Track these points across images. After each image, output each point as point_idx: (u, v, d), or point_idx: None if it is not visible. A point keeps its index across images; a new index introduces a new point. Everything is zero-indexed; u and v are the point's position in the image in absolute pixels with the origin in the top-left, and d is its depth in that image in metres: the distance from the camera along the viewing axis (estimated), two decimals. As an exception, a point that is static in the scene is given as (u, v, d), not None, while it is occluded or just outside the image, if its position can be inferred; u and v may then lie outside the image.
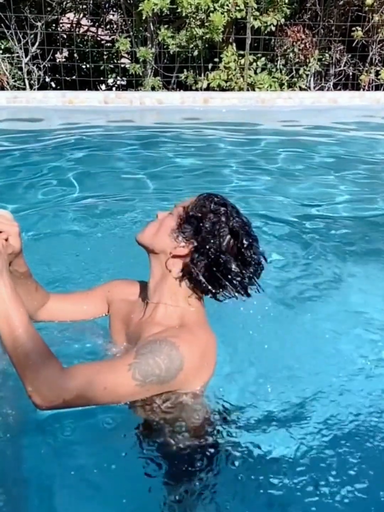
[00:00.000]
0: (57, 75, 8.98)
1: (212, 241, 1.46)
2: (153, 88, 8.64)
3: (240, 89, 8.60)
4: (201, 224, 1.48)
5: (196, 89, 8.62)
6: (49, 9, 8.70)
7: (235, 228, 1.47)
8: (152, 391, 1.42)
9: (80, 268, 2.57)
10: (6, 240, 1.42)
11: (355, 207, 4.23)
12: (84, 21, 9.91)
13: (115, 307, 1.73)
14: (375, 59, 9.18)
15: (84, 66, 9.45)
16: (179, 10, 8.08)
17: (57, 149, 5.76)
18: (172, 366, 1.38)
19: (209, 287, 1.50)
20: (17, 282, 1.47)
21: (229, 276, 1.47)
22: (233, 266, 1.46)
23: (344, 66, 9.26)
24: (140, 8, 8.05)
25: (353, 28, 8.89)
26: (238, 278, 1.48)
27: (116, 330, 1.69)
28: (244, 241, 1.46)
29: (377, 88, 9.18)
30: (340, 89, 9.24)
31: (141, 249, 1.62)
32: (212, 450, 1.46)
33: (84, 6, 9.38)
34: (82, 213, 3.82)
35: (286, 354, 1.74)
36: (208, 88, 8.59)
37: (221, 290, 1.51)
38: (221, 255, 1.46)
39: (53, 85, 9.34)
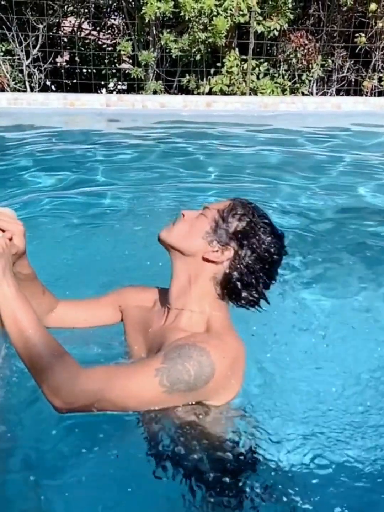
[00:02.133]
0: (58, 79, 8.92)
1: (249, 250, 1.42)
2: (155, 92, 8.59)
3: (243, 94, 8.55)
4: (239, 232, 1.42)
5: (198, 94, 8.56)
6: (50, 12, 8.66)
7: (270, 241, 1.44)
8: (178, 400, 1.33)
9: (90, 274, 2.47)
10: (10, 239, 1.36)
11: (359, 210, 4.17)
12: (85, 25, 9.87)
13: (129, 314, 1.65)
14: (378, 65, 9.15)
15: (85, 70, 9.39)
16: (182, 14, 8.03)
17: (58, 151, 5.69)
18: (202, 373, 1.29)
19: (243, 294, 1.45)
20: (22, 285, 1.39)
21: (260, 284, 1.45)
22: (262, 274, 1.44)
23: (347, 72, 9.23)
24: (143, 12, 8.01)
25: (356, 34, 8.86)
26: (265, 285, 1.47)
27: (133, 337, 1.60)
28: (275, 255, 1.44)
29: (380, 94, 9.14)
30: (342, 95, 9.20)
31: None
32: (232, 467, 1.35)
33: (86, 11, 9.33)
34: (86, 215, 3.74)
35: (315, 362, 1.65)
36: (210, 93, 8.54)
37: (250, 297, 1.46)
38: (258, 263, 1.43)
39: (54, 89, 9.29)
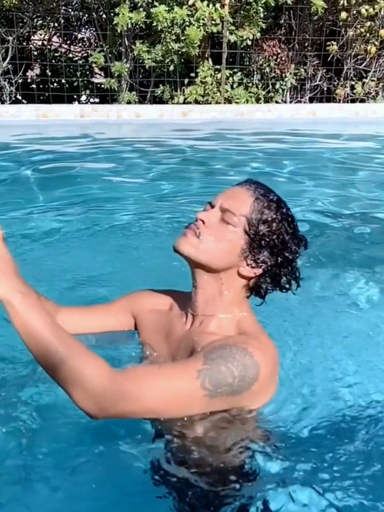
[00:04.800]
0: (29, 92, 8.74)
1: (282, 256, 1.35)
2: (129, 103, 8.49)
3: (217, 103, 8.52)
4: (275, 249, 1.34)
5: (173, 104, 8.49)
6: (20, 24, 8.51)
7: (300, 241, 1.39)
8: (221, 404, 1.21)
9: (85, 289, 2.33)
10: None
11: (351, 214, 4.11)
12: (55, 39, 9.74)
13: (144, 319, 1.53)
14: (350, 73, 9.24)
15: (56, 84, 9.23)
16: (154, 24, 7.97)
17: (31, 164, 5.52)
18: (247, 375, 1.18)
19: (269, 291, 1.41)
20: None
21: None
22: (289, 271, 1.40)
23: (320, 80, 9.29)
24: (115, 22, 7.93)
25: (328, 43, 8.94)
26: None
27: (152, 343, 1.48)
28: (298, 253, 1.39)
29: (353, 102, 9.22)
30: (316, 103, 9.25)
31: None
32: (257, 474, 1.23)
33: (56, 24, 9.18)
34: (65, 226, 3.59)
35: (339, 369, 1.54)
36: (184, 103, 8.48)
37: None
38: (287, 266, 1.38)
39: (25, 102, 9.11)
